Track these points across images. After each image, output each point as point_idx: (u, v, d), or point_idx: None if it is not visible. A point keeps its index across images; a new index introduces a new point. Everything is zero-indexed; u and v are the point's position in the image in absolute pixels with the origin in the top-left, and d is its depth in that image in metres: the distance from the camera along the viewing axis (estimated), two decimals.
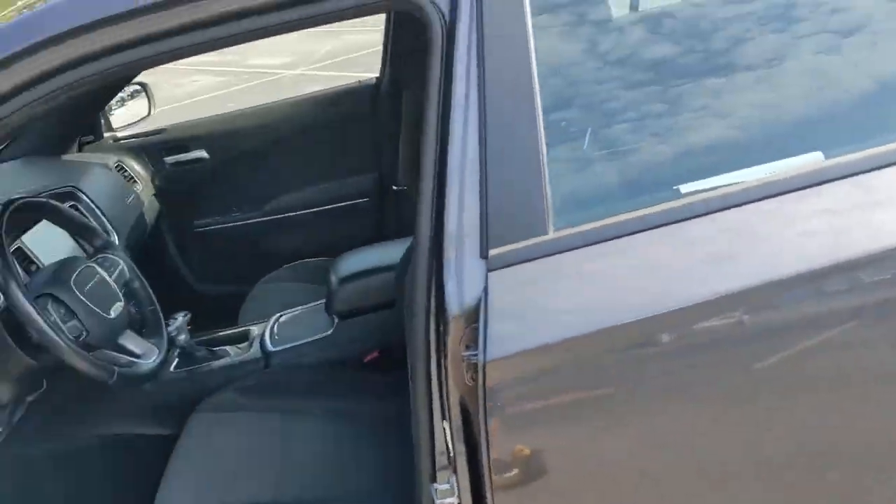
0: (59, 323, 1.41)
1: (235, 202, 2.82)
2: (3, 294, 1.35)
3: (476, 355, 1.07)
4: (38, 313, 1.34)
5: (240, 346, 2.02)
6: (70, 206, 2.02)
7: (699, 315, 1.04)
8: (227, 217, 2.83)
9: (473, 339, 1.08)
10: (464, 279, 1.06)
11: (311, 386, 1.85)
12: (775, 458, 1.11)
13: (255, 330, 2.07)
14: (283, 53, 11.15)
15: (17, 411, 1.59)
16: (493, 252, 1.06)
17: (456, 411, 1.12)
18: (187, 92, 9.77)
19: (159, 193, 2.72)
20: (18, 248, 1.75)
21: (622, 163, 1.17)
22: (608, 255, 1.07)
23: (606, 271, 1.07)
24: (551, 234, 1.07)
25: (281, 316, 2.08)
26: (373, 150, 2.80)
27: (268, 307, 2.34)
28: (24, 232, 1.77)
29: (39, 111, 1.09)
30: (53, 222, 1.66)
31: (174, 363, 1.92)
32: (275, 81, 9.85)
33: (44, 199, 1.61)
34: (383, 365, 1.95)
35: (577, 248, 1.07)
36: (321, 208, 2.83)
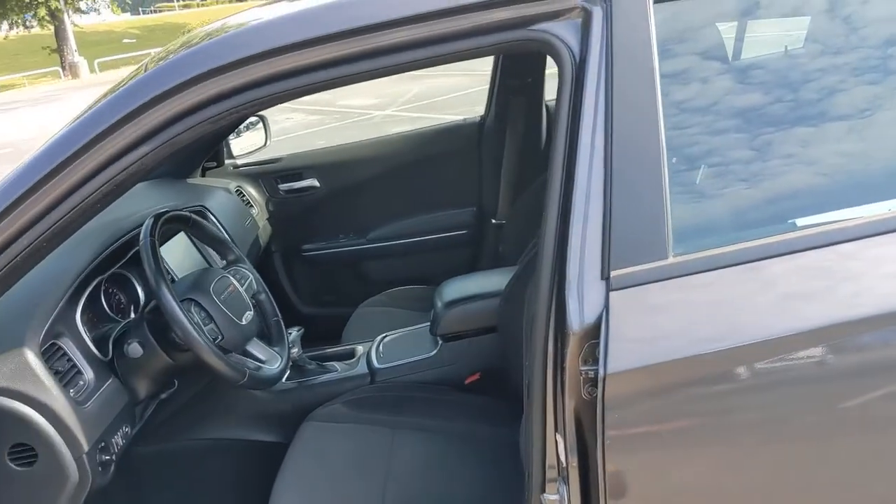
0: (200, 325, 1.55)
1: (342, 229, 2.97)
2: (155, 295, 1.49)
3: (594, 370, 1.13)
4: (185, 315, 1.47)
5: (347, 362, 2.12)
6: None
7: (808, 344, 1.09)
8: (333, 243, 2.98)
9: (591, 354, 1.14)
10: (585, 298, 1.13)
11: (415, 403, 1.93)
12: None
13: (360, 348, 2.18)
14: (371, 95, 11.54)
15: (148, 408, 1.72)
16: (614, 273, 1.13)
17: (571, 424, 1.18)
18: (282, 128, 10.20)
19: (272, 218, 2.89)
20: None
21: (738, 195, 1.23)
22: (724, 280, 1.12)
23: (721, 296, 1.13)
24: (671, 259, 1.13)
25: (386, 336, 2.19)
26: (474, 184, 2.91)
27: (369, 329, 2.45)
28: (162, 244, 1.93)
29: (207, 130, 1.22)
30: (194, 235, 1.82)
31: (286, 375, 2.04)
32: (363, 121, 10.19)
33: (189, 213, 1.77)
34: (483, 387, 2.02)
35: (694, 273, 1.13)
36: (421, 238, 2.94)
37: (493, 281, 2.11)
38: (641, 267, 1.12)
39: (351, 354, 2.16)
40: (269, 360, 1.72)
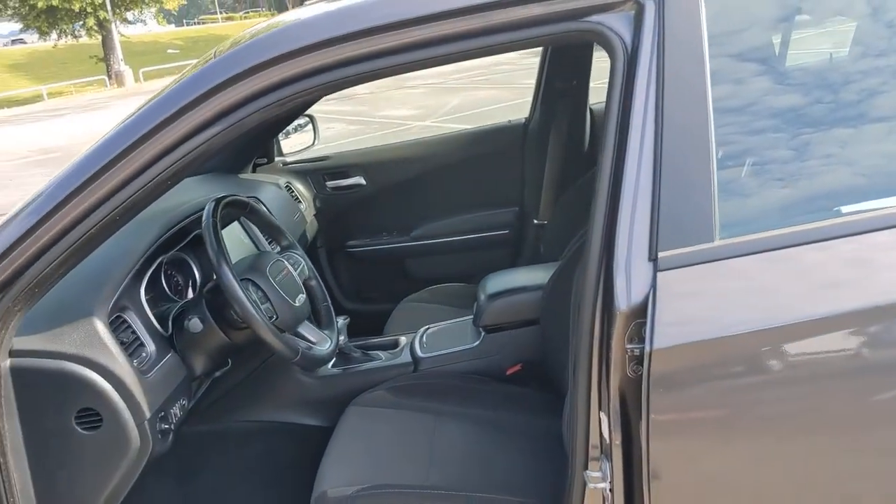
0: (258, 303, 1.61)
1: (386, 227, 3.04)
2: (216, 273, 1.56)
3: (640, 347, 1.17)
4: (244, 293, 1.54)
5: (391, 351, 2.18)
6: None
7: (847, 325, 1.12)
8: (377, 240, 3.04)
9: (638, 333, 1.18)
10: (632, 278, 1.17)
11: (457, 391, 1.97)
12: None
13: (404, 339, 2.23)
14: (411, 106, 11.66)
15: (203, 385, 1.79)
16: (661, 254, 1.17)
17: (615, 401, 1.22)
18: (324, 137, 10.29)
19: (319, 214, 2.97)
20: None
21: (782, 183, 1.26)
22: (767, 264, 1.16)
23: (765, 279, 1.16)
24: (717, 242, 1.17)
25: (429, 328, 2.24)
26: (517, 184, 2.96)
27: (411, 323, 2.49)
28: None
29: (274, 113, 1.29)
30: (251, 221, 1.90)
31: (332, 361, 2.10)
32: (402, 131, 10.29)
33: (247, 199, 1.84)
34: (525, 378, 2.06)
35: (739, 255, 1.16)
36: (464, 237, 2.99)
37: (535, 275, 2.15)
38: (688, 249, 1.16)
39: (395, 344, 2.22)
40: (320, 341, 1.78)
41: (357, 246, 3.07)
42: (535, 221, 2.87)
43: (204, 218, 1.63)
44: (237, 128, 1.26)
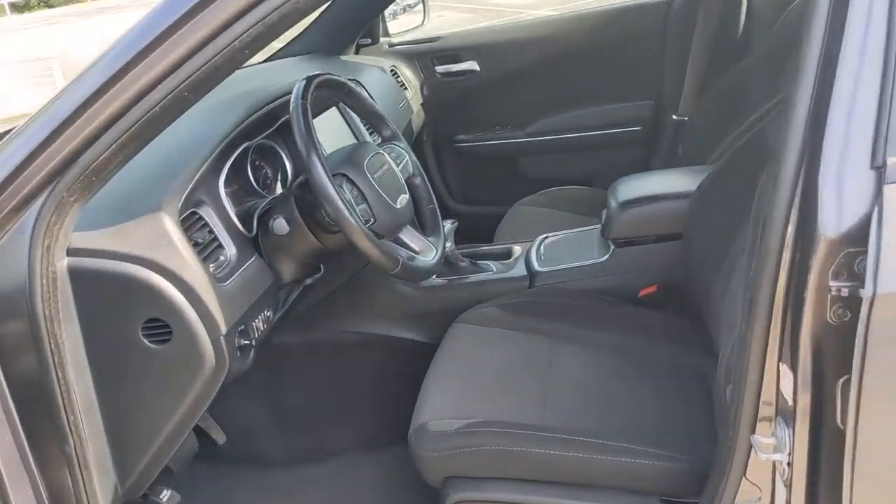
0: (352, 204, 1.37)
1: (500, 119, 2.75)
2: (304, 165, 1.31)
3: (851, 286, 0.86)
4: (337, 191, 1.29)
5: (503, 262, 1.92)
6: None
7: None
8: (488, 134, 2.77)
9: (849, 266, 0.87)
10: (845, 191, 0.86)
11: (580, 312, 1.70)
12: None
13: (518, 248, 1.96)
14: None
15: (292, 293, 1.59)
16: (892, 160, 0.85)
17: (806, 354, 0.93)
18: (432, 27, 9.92)
19: (426, 103, 2.70)
20: None
21: None
22: None
23: None
24: None
25: (547, 237, 1.96)
26: (654, 73, 2.58)
27: (524, 229, 2.25)
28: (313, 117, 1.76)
29: None
30: (349, 106, 1.62)
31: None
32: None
33: (344, 80, 1.56)
34: (660, 301, 1.77)
35: None
36: (588, 133, 2.68)
37: (678, 180, 1.82)
38: None
39: (508, 254, 1.95)
40: (423, 250, 1.53)
41: (467, 140, 2.79)
42: (674, 117, 2.51)
43: (292, 99, 1.38)
44: None
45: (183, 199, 1.24)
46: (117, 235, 1.18)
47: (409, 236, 1.52)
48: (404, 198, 1.50)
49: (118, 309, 1.20)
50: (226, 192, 1.41)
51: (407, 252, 1.47)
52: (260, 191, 1.55)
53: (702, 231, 1.60)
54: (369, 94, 2.11)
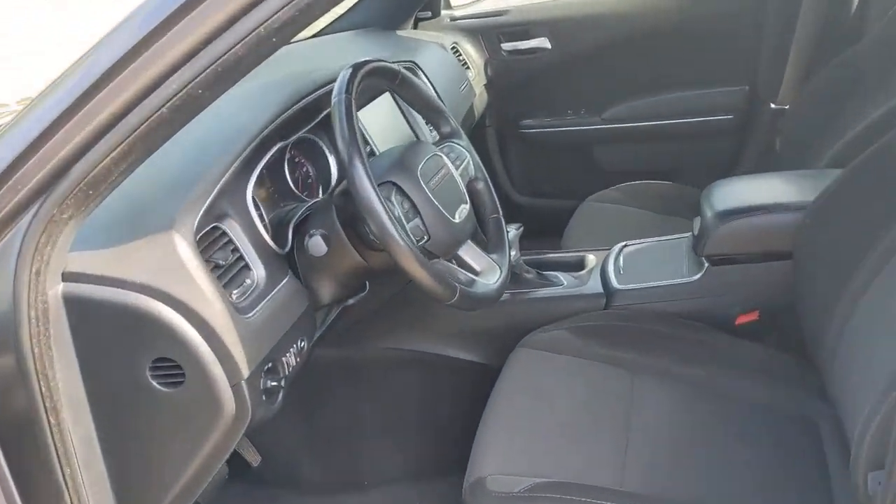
0: (402, 219, 1.14)
1: (571, 104, 2.49)
2: (345, 171, 1.09)
3: None
4: (383, 204, 1.07)
5: (575, 274, 1.67)
6: None
7: None
8: (558, 120, 2.51)
9: None
10: None
11: (664, 341, 1.46)
12: None
13: (592, 257, 1.71)
14: None
15: (332, 312, 1.39)
16: None
17: None
18: None
19: (490, 84, 2.46)
20: None
21: None
22: None
23: None
24: None
25: (627, 245, 1.70)
26: (750, 55, 2.29)
27: (596, 231, 2.01)
28: (360, 107, 1.54)
29: None
30: (402, 96, 1.39)
31: None
32: None
33: (396, 67, 1.33)
34: (761, 332, 1.51)
35: None
36: (672, 121, 2.41)
37: (787, 187, 1.55)
38: None
39: (580, 264, 1.71)
40: (485, 271, 1.30)
41: (534, 126, 2.53)
42: (773, 105, 2.22)
43: (335, 92, 1.15)
44: None
45: (202, 212, 1.03)
46: (120, 258, 0.98)
47: (470, 254, 1.29)
48: (464, 209, 1.26)
49: (122, 345, 1.00)
50: (256, 198, 1.20)
51: (466, 275, 1.24)
52: (299, 193, 1.34)
53: (818, 251, 1.34)
54: (427, 77, 1.88)
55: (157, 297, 0.97)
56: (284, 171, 1.33)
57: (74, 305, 0.97)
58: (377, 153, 1.57)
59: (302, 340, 1.19)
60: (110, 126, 0.87)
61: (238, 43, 0.83)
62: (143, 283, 0.97)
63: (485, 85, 2.43)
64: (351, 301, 1.33)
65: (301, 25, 0.86)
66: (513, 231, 1.57)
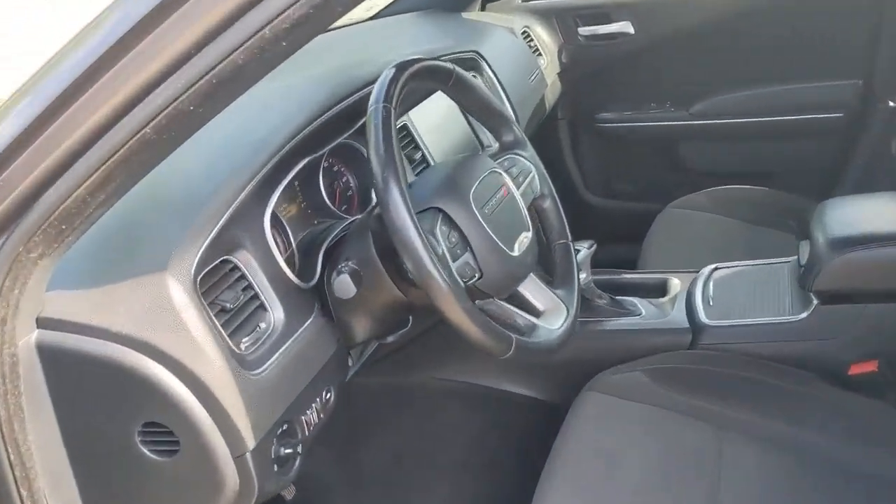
0: (447, 256, 0.94)
1: (655, 96, 2.26)
2: (380, 198, 0.89)
3: None
4: (422, 239, 0.87)
5: (655, 301, 1.45)
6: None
7: None
8: (640, 113, 2.29)
9: None
10: None
11: (763, 393, 1.24)
12: None
13: (677, 282, 1.48)
14: None
15: (366, 350, 1.21)
16: None
17: None
18: None
19: (564, 73, 2.24)
20: (403, 126, 1.34)
21: None
22: None
23: None
24: None
25: (718, 268, 1.47)
26: (863, 45, 2.03)
27: (679, 243, 1.79)
28: (412, 107, 1.34)
29: None
30: (457, 100, 1.18)
31: None
32: None
33: (450, 66, 1.12)
34: (880, 385, 1.27)
35: None
36: (770, 119, 2.16)
37: None
38: None
39: (662, 289, 1.49)
40: (549, 311, 1.09)
41: (613, 120, 2.30)
42: (891, 103, 1.98)
43: (372, 99, 0.94)
44: None
45: (206, 245, 0.85)
46: (105, 302, 0.82)
47: (531, 289, 1.09)
48: (526, 238, 1.05)
49: (107, 405, 0.85)
50: (283, 216, 1.03)
51: (525, 318, 1.03)
52: (335, 209, 1.16)
53: None
54: (491, 68, 1.67)
55: (145, 351, 0.81)
56: (319, 183, 1.14)
57: (51, 357, 0.82)
58: (432, 162, 1.37)
59: (328, 392, 1.01)
60: (82, 150, 0.71)
61: (238, 48, 0.65)
62: (128, 335, 0.80)
63: (558, 73, 2.22)
64: (390, 339, 1.14)
65: (318, 25, 0.67)
66: (583, 251, 1.36)
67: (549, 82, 2.13)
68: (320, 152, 1.06)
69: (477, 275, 0.97)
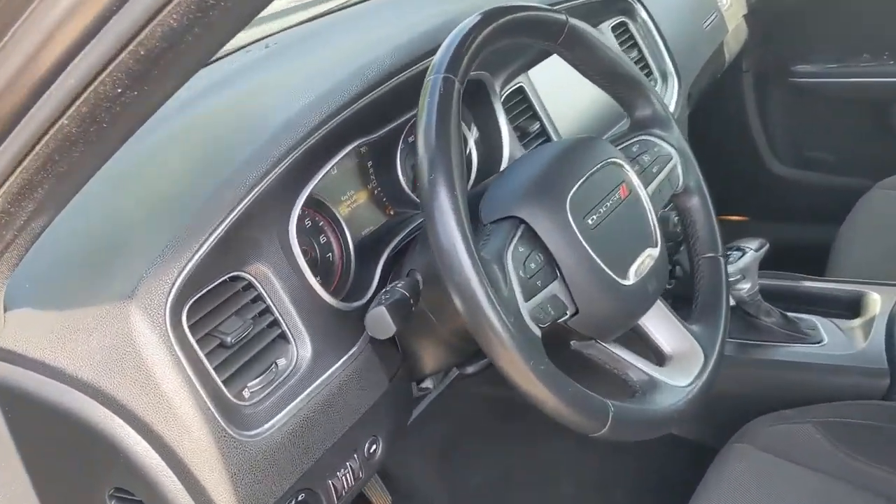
0: (519, 294, 0.67)
1: (868, 45, 1.91)
2: (422, 200, 0.65)
3: None
4: (476, 266, 0.62)
5: (843, 325, 1.12)
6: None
7: None
8: (847, 67, 1.93)
9: None
10: None
11: None
12: None
13: (877, 298, 1.13)
14: None
15: (445, 378, 1.00)
16: None
17: None
18: None
19: (752, 14, 1.91)
20: (519, 90, 1.08)
21: None
22: None
23: None
24: None
25: None
26: None
27: (888, 237, 1.44)
28: (531, 65, 1.08)
29: None
30: (569, 62, 0.88)
31: None
32: None
33: (560, 16, 0.82)
34: None
35: None
36: None
37: None
38: None
39: (854, 306, 1.15)
40: (679, 358, 0.80)
41: (812, 74, 1.96)
42: None
43: (431, 67, 0.69)
44: None
45: (195, 260, 0.65)
46: (63, 335, 0.65)
47: (655, 324, 0.81)
48: (651, 257, 0.77)
49: (73, 461, 0.69)
50: (334, 212, 0.83)
51: (640, 371, 0.75)
52: (414, 196, 0.93)
53: None
54: (649, 14, 1.35)
55: (105, 402, 0.63)
56: (396, 165, 0.92)
57: (8, 397, 0.67)
58: (554, 137, 1.10)
59: (374, 444, 0.80)
60: (26, 152, 0.54)
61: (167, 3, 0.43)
62: (85, 381, 0.63)
63: (744, 16, 1.90)
64: (470, 369, 0.90)
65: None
66: (750, 253, 1.05)
67: (731, 28, 1.80)
68: (375, 134, 0.83)
69: (569, 311, 0.71)
